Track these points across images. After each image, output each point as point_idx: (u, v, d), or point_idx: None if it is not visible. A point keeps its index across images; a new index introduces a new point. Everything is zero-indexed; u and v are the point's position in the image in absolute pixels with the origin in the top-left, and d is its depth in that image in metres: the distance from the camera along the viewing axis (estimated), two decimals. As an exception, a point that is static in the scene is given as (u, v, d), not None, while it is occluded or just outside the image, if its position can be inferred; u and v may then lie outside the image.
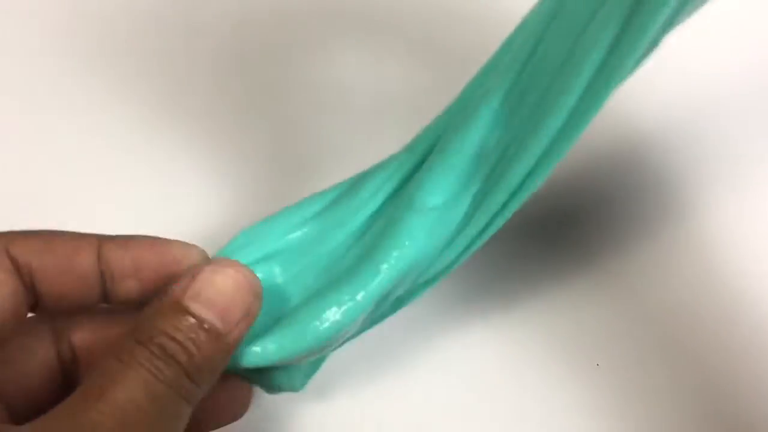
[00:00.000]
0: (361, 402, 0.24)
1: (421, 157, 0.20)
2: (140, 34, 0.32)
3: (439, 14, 0.33)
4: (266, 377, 0.20)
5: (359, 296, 0.18)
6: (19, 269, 0.17)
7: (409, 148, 0.21)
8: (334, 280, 0.19)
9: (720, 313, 0.25)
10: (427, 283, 0.21)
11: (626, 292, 0.26)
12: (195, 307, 0.16)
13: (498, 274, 0.26)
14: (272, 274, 0.20)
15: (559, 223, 0.27)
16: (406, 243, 0.19)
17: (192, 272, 0.17)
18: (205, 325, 0.16)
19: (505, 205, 0.19)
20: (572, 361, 0.24)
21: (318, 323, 0.18)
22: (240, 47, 0.32)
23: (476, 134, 0.19)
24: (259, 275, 0.19)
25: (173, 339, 0.15)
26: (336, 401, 0.24)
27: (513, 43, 0.19)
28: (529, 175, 0.18)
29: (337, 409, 0.24)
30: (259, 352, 0.18)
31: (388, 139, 0.23)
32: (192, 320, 0.16)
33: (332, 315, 0.18)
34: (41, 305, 0.17)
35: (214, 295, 0.16)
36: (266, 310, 0.19)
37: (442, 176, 0.19)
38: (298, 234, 0.21)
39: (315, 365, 0.21)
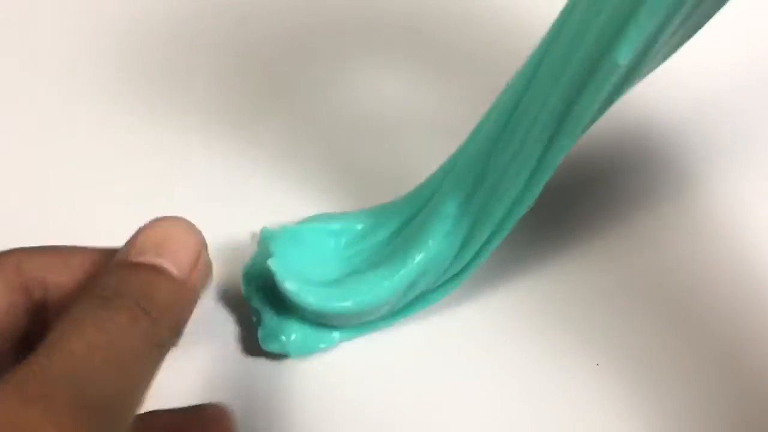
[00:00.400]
0: (343, 365, 0.25)
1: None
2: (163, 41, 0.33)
3: (465, 26, 0.33)
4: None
5: (396, 277, 0.24)
6: (29, 284, 0.17)
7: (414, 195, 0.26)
8: (377, 263, 0.25)
9: (720, 287, 0.27)
10: (439, 289, 0.26)
11: (627, 263, 0.27)
12: (144, 258, 0.16)
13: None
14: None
15: (558, 201, 0.28)
16: (429, 242, 0.24)
17: (134, 234, 0.17)
18: (160, 271, 0.16)
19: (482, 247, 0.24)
20: (570, 343, 0.26)
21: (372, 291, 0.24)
22: (274, 63, 0.33)
23: (456, 201, 0.24)
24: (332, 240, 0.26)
25: (129, 288, 0.15)
26: (318, 364, 0.26)
27: (480, 131, 0.23)
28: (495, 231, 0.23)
29: (319, 372, 0.25)
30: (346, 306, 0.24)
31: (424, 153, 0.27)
32: (145, 270, 0.16)
33: (368, 294, 0.24)
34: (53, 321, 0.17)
35: (161, 241, 0.16)
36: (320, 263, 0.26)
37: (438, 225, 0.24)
38: (359, 227, 0.26)
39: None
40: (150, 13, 0.33)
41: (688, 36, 0.20)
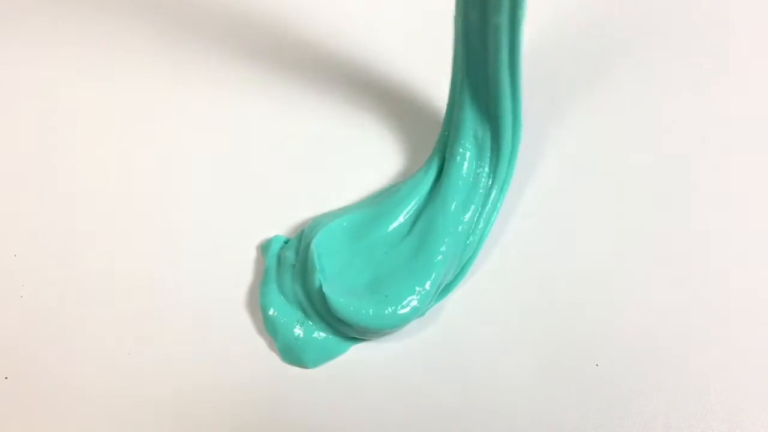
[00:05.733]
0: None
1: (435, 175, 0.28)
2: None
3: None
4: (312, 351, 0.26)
5: (427, 285, 0.25)
6: None
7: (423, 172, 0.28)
8: (400, 271, 0.26)
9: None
10: (454, 280, 0.27)
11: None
12: None
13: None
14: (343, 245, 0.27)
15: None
16: (445, 240, 0.26)
17: None
18: None
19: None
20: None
21: (400, 309, 0.25)
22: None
23: (459, 195, 0.26)
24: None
25: None
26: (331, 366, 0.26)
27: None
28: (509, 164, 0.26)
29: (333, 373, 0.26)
30: (369, 315, 0.24)
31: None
32: None
33: (412, 302, 0.25)
34: None
35: None
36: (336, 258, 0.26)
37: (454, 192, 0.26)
38: (361, 219, 0.27)
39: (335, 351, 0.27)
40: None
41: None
